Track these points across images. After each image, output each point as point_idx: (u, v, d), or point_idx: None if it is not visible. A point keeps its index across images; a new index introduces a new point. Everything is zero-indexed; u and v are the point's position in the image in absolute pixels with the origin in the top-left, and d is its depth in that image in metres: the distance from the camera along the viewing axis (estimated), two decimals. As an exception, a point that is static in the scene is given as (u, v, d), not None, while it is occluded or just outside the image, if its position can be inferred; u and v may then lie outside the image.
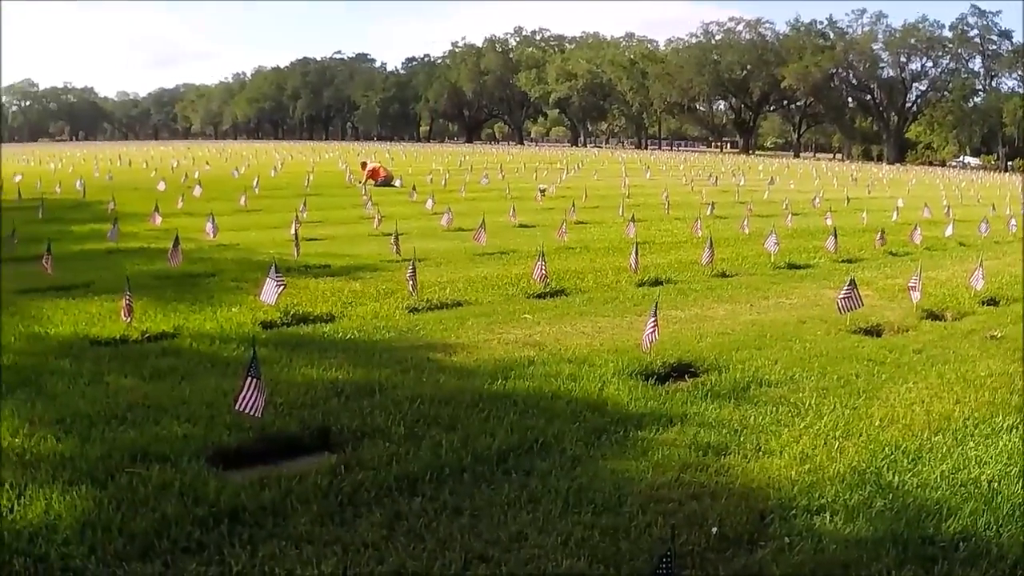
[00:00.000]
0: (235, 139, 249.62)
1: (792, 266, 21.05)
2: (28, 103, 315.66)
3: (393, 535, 6.92)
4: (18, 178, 52.08)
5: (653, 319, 11.67)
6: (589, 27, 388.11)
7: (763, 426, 9.53)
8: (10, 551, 6.56)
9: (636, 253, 18.64)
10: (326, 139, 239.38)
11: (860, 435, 9.35)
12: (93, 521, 7.00)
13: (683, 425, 9.43)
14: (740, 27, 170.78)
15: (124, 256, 21.58)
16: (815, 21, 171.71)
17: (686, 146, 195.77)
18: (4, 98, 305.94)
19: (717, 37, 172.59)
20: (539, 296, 16.52)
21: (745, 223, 27.59)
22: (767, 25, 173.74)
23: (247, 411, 8.52)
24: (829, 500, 7.66)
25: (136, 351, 12.24)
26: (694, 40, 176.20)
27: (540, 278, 16.91)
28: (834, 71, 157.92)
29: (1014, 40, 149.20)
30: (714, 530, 7.01)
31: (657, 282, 18.14)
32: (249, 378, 8.45)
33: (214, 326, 13.73)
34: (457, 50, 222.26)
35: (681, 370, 11.72)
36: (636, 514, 7.27)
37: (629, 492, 7.68)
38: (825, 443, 9.02)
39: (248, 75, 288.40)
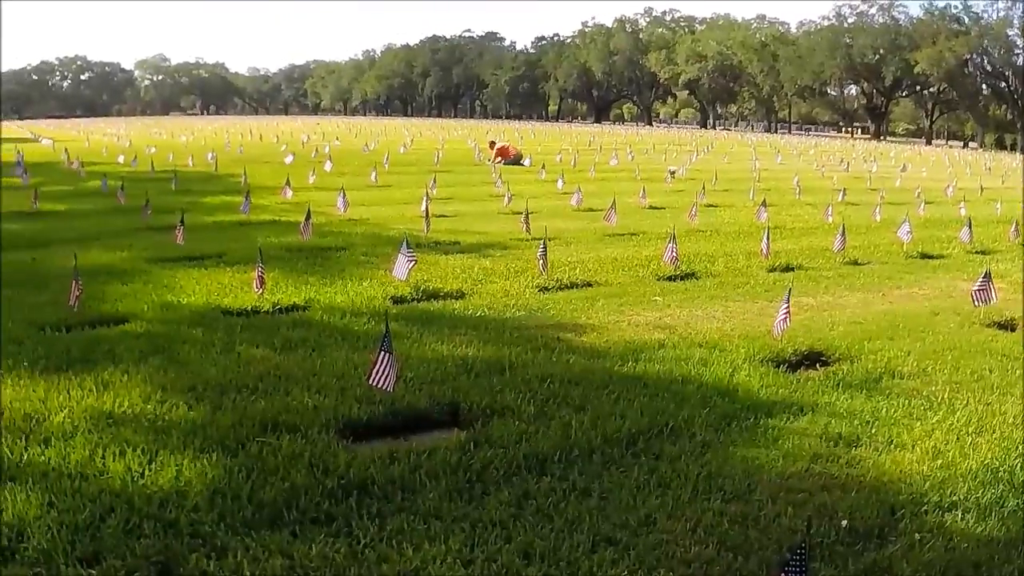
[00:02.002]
0: (364, 115, 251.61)
1: (925, 256, 20.62)
2: (160, 77, 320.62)
3: (521, 514, 6.90)
4: (151, 150, 53.08)
5: (786, 306, 11.52)
6: (720, 8, 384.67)
7: (895, 419, 9.33)
8: (140, 515, 6.67)
9: (768, 238, 18.41)
10: (455, 117, 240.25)
11: (993, 432, 9.12)
12: (223, 489, 7.10)
13: (814, 415, 9.29)
14: (873, 10, 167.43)
15: (255, 228, 21.88)
16: (949, 5, 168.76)
17: (816, 131, 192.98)
18: (137, 72, 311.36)
19: (850, 20, 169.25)
20: (669, 279, 16.41)
21: (877, 211, 27.12)
22: (900, 8, 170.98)
23: (379, 385, 8.55)
24: (961, 497, 7.49)
25: (267, 322, 12.43)
26: (826, 23, 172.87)
27: (671, 260, 16.77)
28: (968, 57, 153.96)
29: None
30: (844, 523, 6.90)
31: (788, 268, 17.91)
32: (382, 352, 8.47)
33: (345, 300, 13.85)
34: (587, 30, 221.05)
35: (812, 358, 11.54)
36: (766, 503, 7.18)
37: (759, 480, 7.58)
38: (958, 439, 8.82)
39: (378, 52, 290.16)
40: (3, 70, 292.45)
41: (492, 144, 53.58)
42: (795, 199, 32.83)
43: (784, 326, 11.58)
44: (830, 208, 26.42)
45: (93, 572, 5.94)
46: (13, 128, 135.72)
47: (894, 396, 10.06)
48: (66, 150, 52.25)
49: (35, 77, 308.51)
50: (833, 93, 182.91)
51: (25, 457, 7.62)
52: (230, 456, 7.72)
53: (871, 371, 10.93)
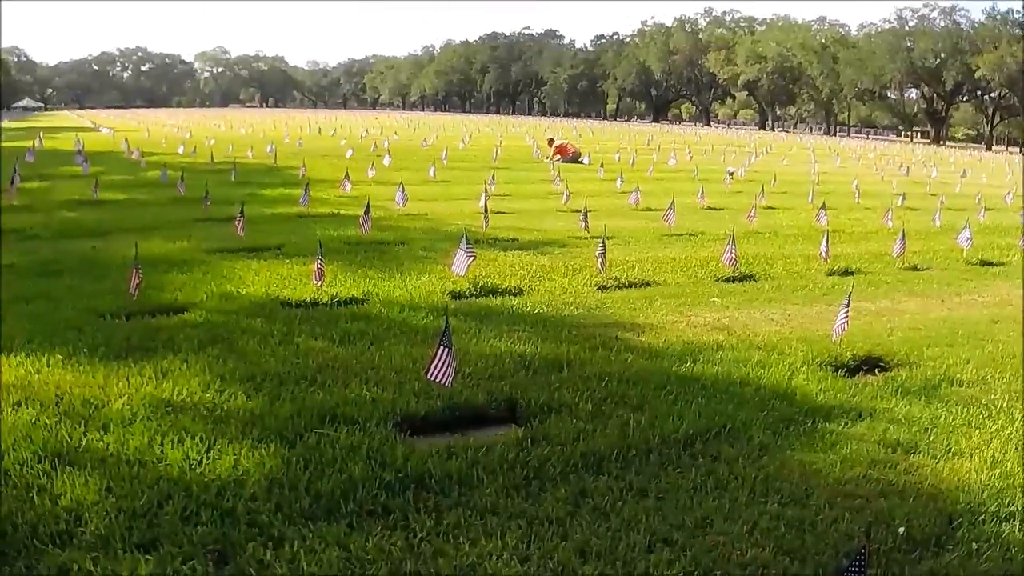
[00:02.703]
0: (422, 111, 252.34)
1: (985, 263, 20.37)
2: (220, 70, 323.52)
3: (578, 512, 6.88)
4: (211, 142, 53.49)
5: (846, 310, 11.43)
6: (780, 9, 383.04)
7: (953, 426, 9.22)
8: (198, 503, 6.70)
9: (827, 242, 18.30)
10: (513, 114, 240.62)
11: (1053, 443, 9.01)
12: (280, 479, 7.13)
13: (872, 420, 9.20)
14: (934, 13, 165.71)
15: (314, 221, 21.96)
16: (1012, 10, 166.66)
17: (875, 134, 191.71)
18: (197, 64, 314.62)
19: (911, 23, 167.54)
20: (728, 280, 16.33)
21: (937, 216, 26.82)
22: (962, 12, 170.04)
23: (438, 380, 8.56)
24: (1019, 508, 7.38)
25: (326, 314, 12.46)
26: (887, 25, 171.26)
27: (729, 262, 16.71)
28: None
29: None
30: (901, 530, 6.83)
31: (847, 272, 17.76)
32: (441, 347, 8.48)
33: (403, 294, 13.88)
34: (646, 29, 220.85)
35: (871, 363, 11.42)
36: (823, 508, 7.12)
37: (816, 485, 7.52)
38: (1016, 448, 8.69)
39: (437, 48, 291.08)
40: (65, 60, 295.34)
41: (551, 141, 53.53)
42: (854, 203, 32.53)
43: (843, 330, 11.51)
44: (889, 212, 26.17)
45: (150, 558, 5.97)
46: (73, 117, 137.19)
47: (953, 404, 9.93)
48: (126, 140, 52.69)
49: (96, 68, 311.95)
50: (893, 97, 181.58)
51: (84, 443, 7.69)
52: (288, 447, 7.75)
53: (930, 378, 10.80)
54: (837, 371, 10.84)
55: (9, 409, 8.41)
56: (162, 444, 7.67)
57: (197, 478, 7.10)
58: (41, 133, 61.35)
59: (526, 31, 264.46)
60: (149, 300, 12.77)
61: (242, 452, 7.58)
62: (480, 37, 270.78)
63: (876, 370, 11.21)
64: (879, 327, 13.31)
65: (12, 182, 26.38)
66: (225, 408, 8.60)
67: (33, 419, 8.17)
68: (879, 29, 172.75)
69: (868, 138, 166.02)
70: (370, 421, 8.32)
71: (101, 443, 7.69)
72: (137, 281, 12.32)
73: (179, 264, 15.77)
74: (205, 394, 8.94)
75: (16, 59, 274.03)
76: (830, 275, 17.38)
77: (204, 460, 7.43)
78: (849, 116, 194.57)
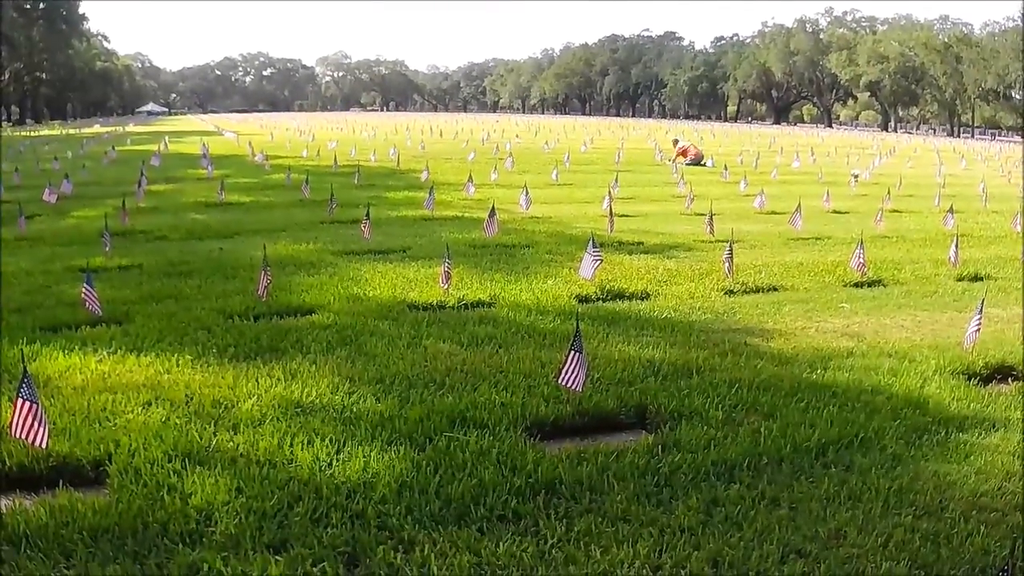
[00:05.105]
0: (542, 113, 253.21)
1: (1124, 267, 19.86)
2: (341, 74, 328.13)
3: (710, 521, 6.74)
4: (332, 145, 54.15)
5: (978, 317, 11.14)
6: (901, 8, 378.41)
7: (1091, 439, 8.94)
8: (327, 504, 6.69)
9: (956, 246, 17.93)
10: (633, 116, 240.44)
11: None
12: (410, 482, 7.07)
13: (1006, 431, 8.89)
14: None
15: (439, 224, 22.04)
16: None
17: (1000, 135, 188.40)
18: (318, 69, 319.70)
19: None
20: (856, 285, 16.01)
21: (1070, 219, 26.24)
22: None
23: (569, 385, 8.49)
24: None
25: (453, 317, 12.44)
26: (1011, 24, 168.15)
27: (858, 267, 16.42)
28: None
29: None
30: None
31: (976, 278, 17.33)
32: (572, 352, 8.40)
33: (530, 297, 13.81)
34: (766, 30, 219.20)
35: (1004, 372, 11.07)
36: (958, 521, 6.88)
37: (951, 497, 7.29)
38: None
39: (557, 51, 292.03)
40: (189, 65, 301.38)
41: (675, 143, 53.31)
42: (981, 206, 31.88)
43: (975, 338, 11.23)
44: (1018, 216, 25.60)
45: (280, 559, 5.96)
46: (197, 121, 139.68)
47: (1090, 415, 9.63)
48: (250, 143, 53.60)
49: (219, 73, 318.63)
50: (1018, 96, 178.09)
51: (214, 443, 7.73)
52: (418, 450, 7.71)
53: (1067, 387, 10.49)
54: (970, 380, 10.52)
55: (139, 408, 8.51)
56: (292, 445, 7.69)
57: (327, 480, 7.09)
58: (166, 137, 62.70)
59: (645, 33, 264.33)
60: (277, 301, 12.89)
61: (372, 454, 7.55)
62: (599, 39, 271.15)
63: (1009, 379, 10.89)
64: (1011, 335, 12.92)
65: (139, 184, 26.92)
66: (354, 410, 8.60)
67: (164, 418, 8.26)
68: (1003, 28, 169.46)
69: (993, 139, 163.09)
70: (500, 425, 8.26)
71: (231, 443, 7.74)
72: (266, 283, 12.45)
73: (306, 266, 15.90)
74: (334, 396, 8.95)
75: (140, 65, 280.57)
76: (959, 280, 16.97)
77: (334, 462, 7.43)
78: (973, 117, 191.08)
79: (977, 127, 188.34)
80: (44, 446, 7.23)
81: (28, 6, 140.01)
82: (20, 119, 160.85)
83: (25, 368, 7.26)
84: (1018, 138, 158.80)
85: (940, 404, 9.57)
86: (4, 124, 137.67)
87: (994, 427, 8.99)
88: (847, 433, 8.49)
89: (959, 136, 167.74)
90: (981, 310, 11.22)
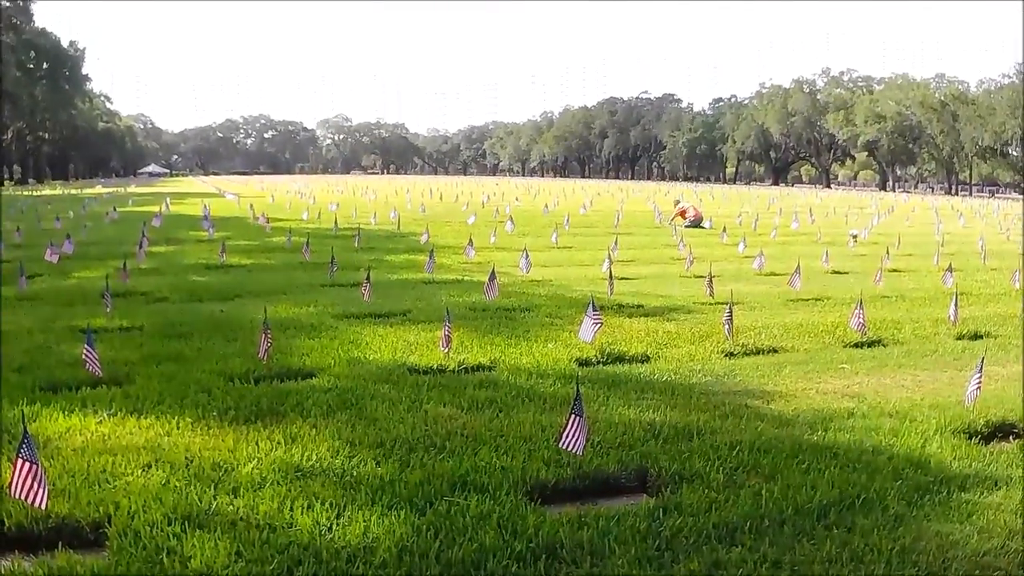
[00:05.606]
0: (542, 176, 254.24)
1: None
2: (342, 137, 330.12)
3: (712, 584, 6.74)
4: (333, 207, 54.33)
5: (978, 375, 11.17)
6: (898, 67, 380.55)
7: (1095, 496, 8.93)
8: (328, 569, 6.67)
9: (955, 305, 17.96)
10: (632, 178, 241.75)
11: None
12: (411, 547, 7.04)
13: (1008, 489, 8.88)
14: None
15: (439, 287, 22.08)
16: None
17: (999, 192, 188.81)
18: (319, 131, 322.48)
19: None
20: (856, 345, 16.01)
21: (1070, 276, 26.28)
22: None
23: (570, 448, 8.50)
24: None
25: (454, 381, 12.40)
26: (1006, 81, 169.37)
27: (858, 327, 16.43)
28: None
29: None
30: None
31: (977, 336, 17.34)
32: (573, 415, 8.42)
33: (530, 360, 13.79)
34: (764, 91, 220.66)
35: (1005, 430, 11.07)
36: (961, 581, 6.91)
37: (954, 557, 7.27)
38: None
39: (556, 114, 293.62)
40: (190, 127, 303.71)
41: (677, 203, 53.62)
42: (980, 263, 31.96)
43: (976, 396, 11.24)
44: (1017, 273, 25.63)
45: (280, 624, 5.95)
46: (198, 183, 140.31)
47: (1094, 472, 9.63)
48: (251, 205, 53.79)
49: (220, 135, 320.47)
50: (1015, 153, 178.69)
51: (214, 506, 7.71)
52: (418, 514, 7.68)
53: (1069, 445, 10.49)
54: (971, 438, 10.52)
55: (139, 470, 8.50)
56: (292, 509, 7.66)
57: (327, 544, 7.06)
58: (168, 198, 62.90)
59: (644, 95, 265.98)
60: (278, 364, 12.88)
61: (372, 519, 7.52)
62: (599, 102, 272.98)
63: (1011, 437, 10.90)
64: (1012, 392, 12.93)
65: (141, 245, 26.97)
66: (355, 474, 8.59)
67: (164, 481, 8.24)
68: (999, 85, 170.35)
69: (991, 196, 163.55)
70: (500, 489, 8.23)
71: (231, 506, 7.71)
72: (266, 345, 12.43)
73: (307, 328, 15.90)
74: (335, 459, 8.94)
75: (142, 125, 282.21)
76: (959, 339, 16.98)
77: (334, 526, 7.40)
78: (971, 174, 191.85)
79: (975, 184, 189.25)
80: (44, 507, 7.23)
81: (31, 65, 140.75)
82: (22, 178, 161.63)
83: (25, 428, 7.26)
84: (1016, 194, 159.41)
85: (942, 463, 9.56)
86: (6, 183, 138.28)
87: (996, 485, 8.98)
88: (849, 494, 8.47)
89: (957, 194, 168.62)
90: (981, 368, 11.26)
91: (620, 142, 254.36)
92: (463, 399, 11.34)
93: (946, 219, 62.83)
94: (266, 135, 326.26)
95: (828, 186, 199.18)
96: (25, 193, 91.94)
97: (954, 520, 8.07)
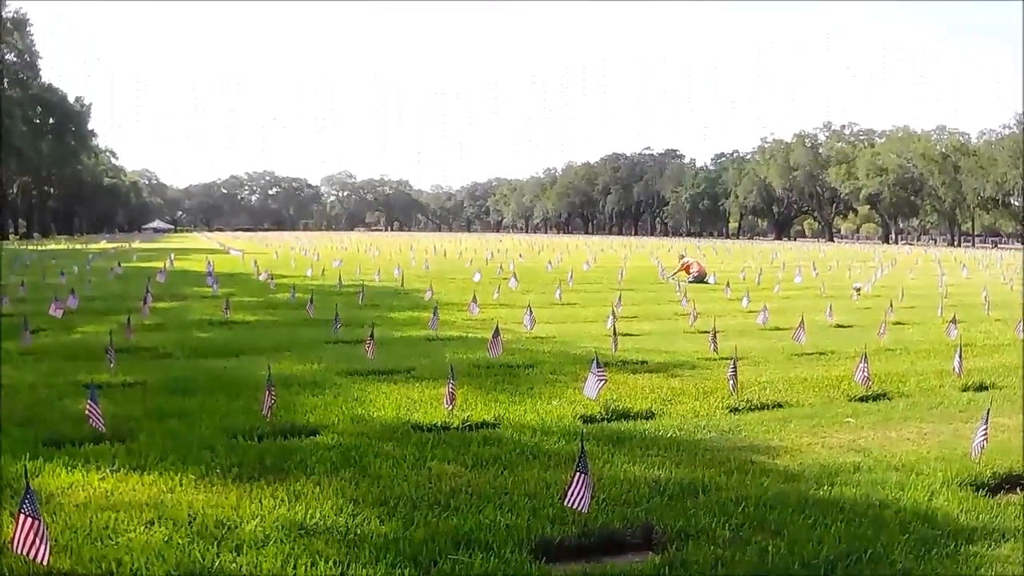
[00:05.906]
0: (545, 232, 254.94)
1: None
2: (346, 193, 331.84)
3: (718, 642, 6.70)
4: (337, 264, 54.43)
5: (984, 427, 11.16)
6: (899, 120, 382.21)
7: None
8: (334, 629, 6.61)
9: (960, 356, 17.92)
10: (635, 234, 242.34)
11: None
12: (416, 607, 7.01)
13: (1016, 541, 8.85)
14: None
15: (443, 344, 22.04)
16: None
17: (1001, 243, 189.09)
18: (323, 188, 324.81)
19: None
20: (861, 399, 15.96)
21: (1073, 325, 26.25)
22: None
23: (574, 506, 8.47)
24: None
25: (458, 438, 12.37)
26: (1007, 131, 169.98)
27: (863, 380, 16.39)
28: None
29: None
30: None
31: (982, 387, 17.29)
32: (578, 473, 8.40)
33: (535, 418, 13.75)
34: (766, 145, 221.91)
35: (1012, 482, 11.03)
36: (969, 634, 6.87)
37: (962, 611, 7.27)
38: None
39: (559, 170, 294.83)
40: (195, 183, 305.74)
41: (681, 257, 53.70)
42: (984, 314, 31.94)
43: (982, 448, 11.21)
44: (1021, 323, 25.60)
45: None
46: (202, 239, 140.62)
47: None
48: (255, 261, 53.84)
49: (224, 191, 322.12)
50: (1017, 203, 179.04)
51: (217, 563, 7.68)
52: (422, 573, 7.66)
53: (1076, 496, 10.45)
54: (978, 491, 10.49)
55: (142, 527, 8.47)
56: (295, 567, 7.63)
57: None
58: (172, 254, 63.04)
59: (647, 151, 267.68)
60: (282, 421, 12.84)
61: (376, 578, 7.47)
62: (601, 158, 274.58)
63: (1018, 488, 10.86)
64: (1019, 444, 12.89)
65: (144, 302, 27.02)
66: (358, 532, 8.55)
67: (166, 538, 8.21)
68: (999, 136, 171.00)
69: (994, 246, 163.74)
70: (505, 547, 8.19)
71: (234, 564, 7.68)
72: (270, 402, 12.41)
73: (310, 386, 15.87)
74: (338, 517, 8.90)
75: (147, 181, 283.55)
76: (964, 391, 16.94)
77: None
78: (973, 225, 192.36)
79: (977, 235, 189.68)
80: (46, 563, 7.20)
81: (38, 120, 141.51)
82: (28, 232, 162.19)
83: (28, 483, 7.24)
84: (1019, 244, 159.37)
85: (948, 516, 9.53)
86: (11, 236, 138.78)
87: (1004, 537, 8.95)
88: (856, 548, 8.44)
89: (960, 245, 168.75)
90: (987, 420, 11.24)
91: (623, 198, 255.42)
92: (467, 456, 11.31)
93: (949, 270, 62.93)
94: (270, 191, 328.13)
95: (831, 239, 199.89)
96: (30, 247, 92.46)
97: (962, 573, 8.06)
